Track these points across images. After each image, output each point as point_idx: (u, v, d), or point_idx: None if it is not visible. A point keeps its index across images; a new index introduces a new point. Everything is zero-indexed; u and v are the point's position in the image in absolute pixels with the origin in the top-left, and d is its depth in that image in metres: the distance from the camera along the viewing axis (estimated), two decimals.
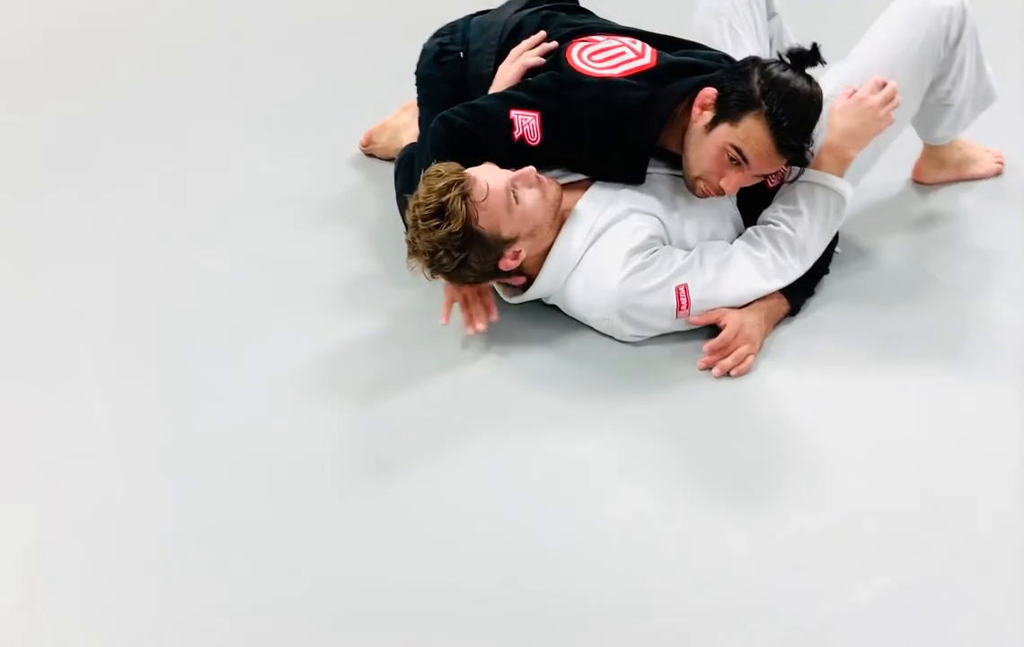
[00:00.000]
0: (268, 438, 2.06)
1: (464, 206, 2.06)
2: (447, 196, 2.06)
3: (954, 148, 2.68)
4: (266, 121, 3.17)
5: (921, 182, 2.74)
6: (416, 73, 2.70)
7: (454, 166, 2.12)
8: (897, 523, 1.83)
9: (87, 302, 2.45)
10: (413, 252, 2.15)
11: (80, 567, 1.81)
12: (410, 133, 2.78)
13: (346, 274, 2.51)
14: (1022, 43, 3.27)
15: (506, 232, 2.13)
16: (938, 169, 2.71)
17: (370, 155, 2.95)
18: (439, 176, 2.09)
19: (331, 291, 2.45)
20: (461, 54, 2.60)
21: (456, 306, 2.28)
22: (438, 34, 2.68)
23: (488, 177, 2.11)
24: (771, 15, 2.68)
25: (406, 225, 2.17)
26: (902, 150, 2.69)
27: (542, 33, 2.45)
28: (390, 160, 2.83)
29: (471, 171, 2.12)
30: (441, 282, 2.26)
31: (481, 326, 2.25)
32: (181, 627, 1.69)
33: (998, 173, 2.75)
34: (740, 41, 2.56)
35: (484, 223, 2.09)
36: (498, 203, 2.10)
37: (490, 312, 2.27)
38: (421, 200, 2.09)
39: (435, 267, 2.14)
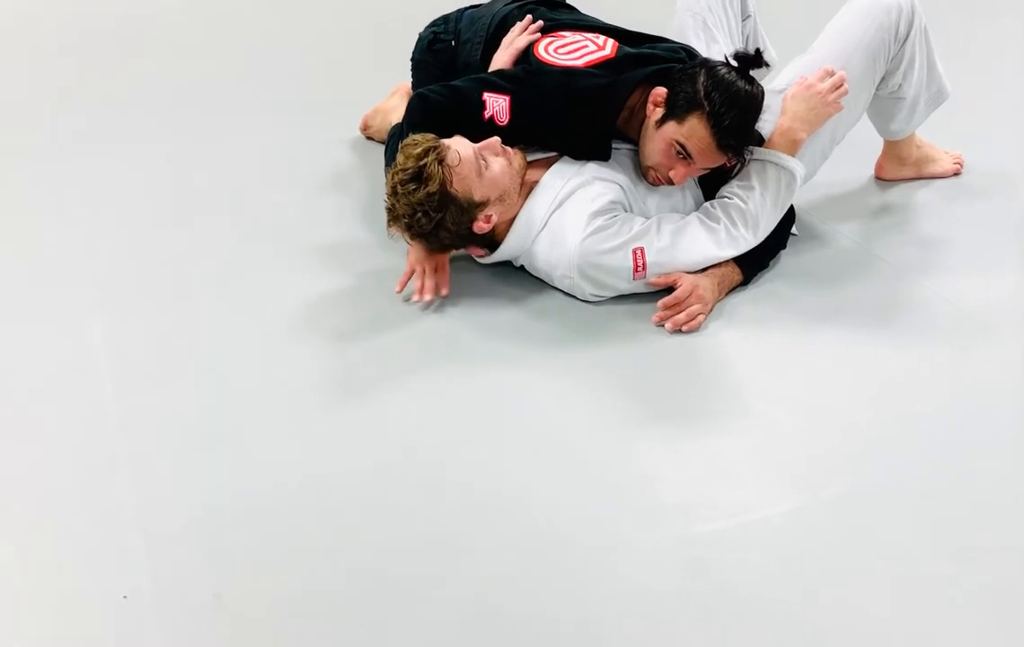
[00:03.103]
0: (255, 364, 2.24)
1: (440, 169, 2.25)
2: (424, 160, 2.25)
3: (913, 146, 2.85)
4: (274, 105, 3.45)
5: (883, 178, 2.91)
6: (411, 59, 2.93)
7: (429, 135, 2.31)
8: (818, 454, 1.99)
9: (98, 249, 2.66)
10: (393, 218, 2.33)
11: (72, 475, 1.97)
12: (398, 114, 2.97)
13: (336, 236, 2.71)
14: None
15: (478, 196, 2.31)
16: (898, 166, 2.88)
17: (369, 138, 3.17)
18: (415, 144, 2.29)
19: (322, 250, 2.64)
20: (453, 43, 2.83)
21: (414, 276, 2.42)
22: (433, 24, 2.92)
23: (459, 146, 2.31)
24: (746, 17, 2.87)
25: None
26: (867, 149, 2.88)
27: (536, 24, 2.65)
28: (383, 142, 3.04)
29: (445, 140, 2.31)
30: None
31: (428, 296, 2.38)
32: (165, 529, 1.84)
33: (957, 173, 2.92)
34: (714, 38, 2.75)
35: (458, 186, 2.28)
36: (470, 168, 2.29)
37: (441, 287, 2.41)
38: (400, 166, 2.28)
39: (414, 228, 2.32)
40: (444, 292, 2.42)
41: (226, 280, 2.54)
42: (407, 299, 2.41)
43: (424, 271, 2.41)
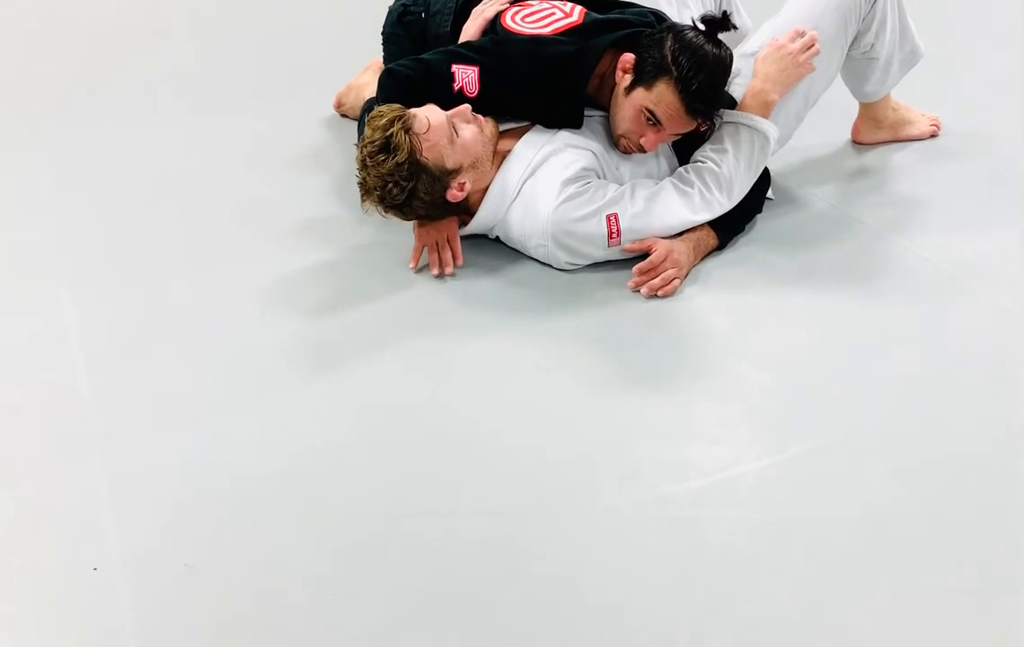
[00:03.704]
0: (230, 339, 2.23)
1: (408, 138, 2.23)
2: (391, 130, 2.24)
3: (889, 109, 2.84)
4: (246, 85, 3.43)
5: (859, 142, 2.90)
6: (382, 33, 2.91)
7: (395, 106, 2.30)
8: (794, 412, 1.99)
9: (72, 230, 2.64)
10: (365, 192, 2.31)
11: (43, 448, 1.95)
12: (371, 90, 2.95)
13: (312, 213, 2.69)
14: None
15: (450, 163, 2.30)
16: (874, 129, 2.87)
17: (343, 115, 3.15)
18: (381, 115, 2.27)
19: (298, 227, 2.63)
20: (423, 14, 2.81)
21: (425, 252, 2.42)
22: None
23: (428, 113, 2.29)
24: None
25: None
26: (843, 113, 2.87)
27: None
28: (357, 118, 3.02)
29: (412, 109, 2.29)
30: (395, 219, 2.43)
31: (448, 269, 2.40)
32: (135, 500, 1.83)
33: (934, 135, 2.90)
34: (685, 3, 2.72)
35: (428, 154, 2.26)
36: (440, 135, 2.27)
37: (457, 258, 2.42)
38: (367, 139, 2.27)
39: (386, 201, 2.30)
40: (459, 263, 2.40)
41: (201, 258, 2.53)
42: (420, 270, 2.41)
43: (436, 245, 2.40)
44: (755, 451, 1.89)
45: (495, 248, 2.48)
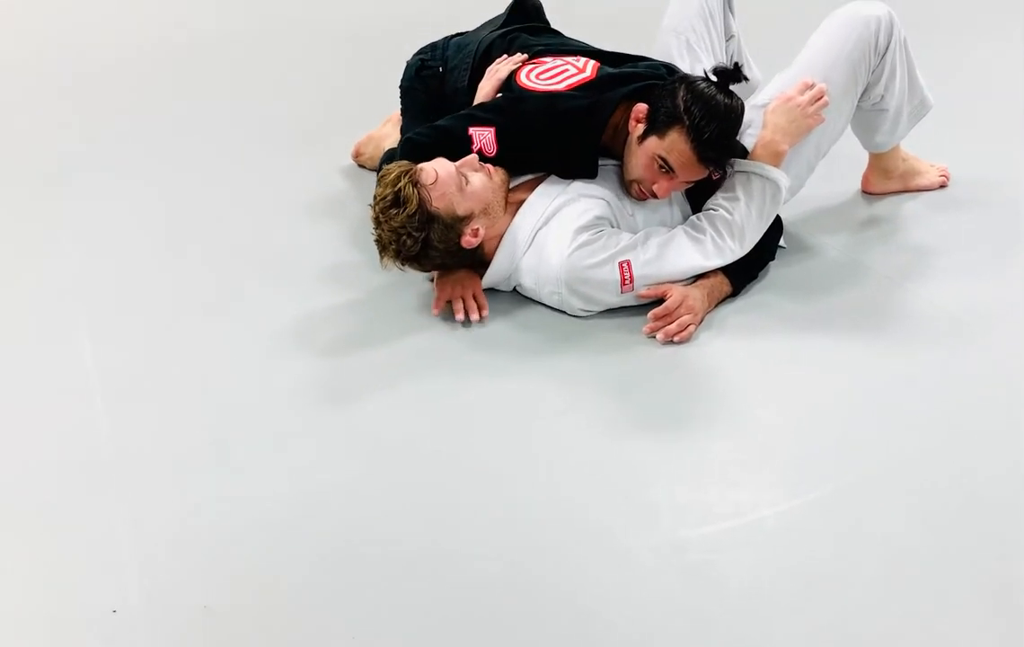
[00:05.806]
0: (245, 379, 2.27)
1: (416, 190, 2.29)
2: (399, 184, 2.30)
3: (899, 159, 2.87)
4: (267, 135, 3.49)
5: (869, 192, 2.93)
6: (400, 86, 2.96)
7: (403, 162, 2.36)
8: (809, 456, 2.00)
9: (91, 273, 2.69)
10: (382, 248, 2.36)
11: (61, 490, 1.97)
12: (391, 142, 3.02)
13: (329, 258, 2.74)
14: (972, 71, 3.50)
15: (461, 210, 2.34)
16: (884, 179, 2.90)
17: (361, 165, 3.20)
18: (389, 172, 2.35)
19: (314, 272, 2.67)
20: (440, 69, 2.87)
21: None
22: (420, 51, 2.96)
23: (436, 165, 2.35)
24: (729, 36, 2.91)
25: None
26: (853, 163, 2.91)
27: (519, 55, 2.69)
28: (375, 169, 3.06)
29: (420, 163, 2.35)
30: (412, 271, 2.46)
31: (474, 316, 2.41)
32: (153, 542, 1.84)
33: (943, 185, 2.93)
34: (697, 58, 2.78)
35: (438, 203, 2.31)
36: (449, 184, 2.33)
37: (483, 308, 2.43)
38: (378, 197, 2.34)
39: (402, 253, 2.35)
40: (485, 313, 2.42)
41: (218, 301, 2.57)
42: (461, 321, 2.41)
43: (462, 299, 2.42)
44: (772, 496, 1.90)
45: (509, 293, 2.51)
